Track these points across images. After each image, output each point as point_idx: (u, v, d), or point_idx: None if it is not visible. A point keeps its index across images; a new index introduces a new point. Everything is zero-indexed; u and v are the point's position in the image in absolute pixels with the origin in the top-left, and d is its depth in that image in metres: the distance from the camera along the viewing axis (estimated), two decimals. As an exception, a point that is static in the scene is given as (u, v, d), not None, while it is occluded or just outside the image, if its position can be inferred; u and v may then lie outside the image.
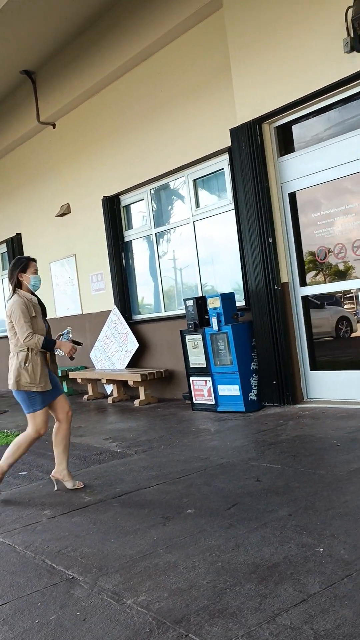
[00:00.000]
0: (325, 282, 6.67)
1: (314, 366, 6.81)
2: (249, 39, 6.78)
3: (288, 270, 6.81)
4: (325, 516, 3.41)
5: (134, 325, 9.39)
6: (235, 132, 6.97)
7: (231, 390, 7.08)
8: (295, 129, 6.82)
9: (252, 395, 7.02)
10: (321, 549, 2.95)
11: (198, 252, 8.32)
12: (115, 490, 4.49)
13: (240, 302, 7.50)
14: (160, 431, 6.56)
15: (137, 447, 5.88)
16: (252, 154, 6.79)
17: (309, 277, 6.84)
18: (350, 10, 5.52)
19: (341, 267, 6.53)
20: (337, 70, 5.95)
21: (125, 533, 3.55)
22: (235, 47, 6.97)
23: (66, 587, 2.91)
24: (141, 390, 8.68)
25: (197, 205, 8.22)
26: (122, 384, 9.26)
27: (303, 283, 6.80)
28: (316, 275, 6.80)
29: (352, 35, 5.68)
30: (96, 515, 3.97)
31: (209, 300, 7.18)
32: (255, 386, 7.04)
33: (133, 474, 4.88)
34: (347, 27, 5.73)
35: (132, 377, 8.52)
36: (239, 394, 6.99)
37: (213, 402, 7.29)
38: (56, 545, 3.51)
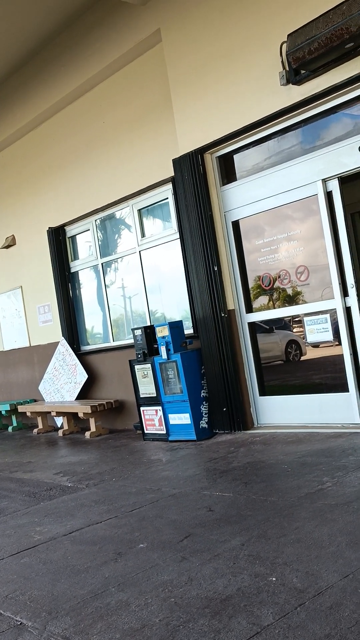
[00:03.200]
0: (271, 308, 6.75)
1: (263, 391, 6.86)
2: (188, 72, 6.92)
3: (234, 297, 6.88)
4: (277, 544, 3.40)
5: (82, 356, 9.30)
6: (177, 163, 7.06)
7: (182, 418, 7.06)
8: (237, 158, 6.95)
9: (203, 423, 7.01)
10: (274, 578, 2.93)
11: (145, 281, 8.33)
12: (66, 527, 4.39)
13: (188, 329, 7.53)
14: (112, 463, 6.47)
15: (88, 481, 5.78)
16: (195, 183, 6.88)
17: (255, 303, 6.92)
18: (285, 45, 5.68)
19: (286, 293, 6.63)
20: (275, 102, 6.11)
21: (76, 572, 3.47)
22: (175, 80, 7.09)
23: (14, 634, 2.81)
24: (92, 421, 8.57)
25: (143, 235, 8.25)
26: (72, 416, 9.13)
27: (249, 309, 6.88)
28: (262, 301, 6.88)
29: (287, 68, 5.85)
30: (46, 554, 3.87)
31: (157, 329, 7.18)
32: (205, 414, 7.04)
33: (84, 509, 4.79)
34: (282, 61, 5.90)
35: (82, 408, 8.41)
36: (189, 422, 6.97)
37: (164, 432, 7.25)
38: (3, 589, 3.39)
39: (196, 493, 4.74)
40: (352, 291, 5.90)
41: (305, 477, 4.63)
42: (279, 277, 6.63)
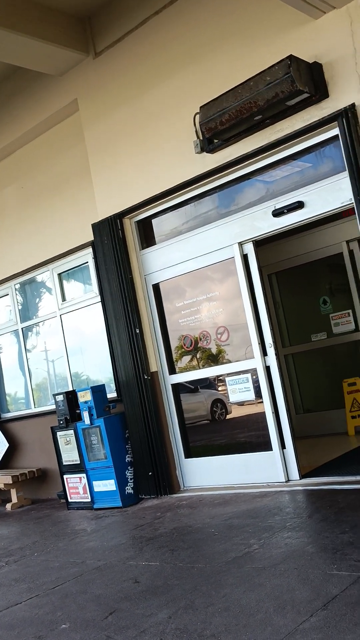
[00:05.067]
0: (194, 369, 6.78)
1: (189, 453, 6.81)
2: (105, 140, 7.07)
3: (157, 359, 6.88)
4: (205, 614, 3.32)
5: (3, 424, 9.01)
6: (97, 227, 7.12)
7: (107, 485, 6.89)
8: (155, 223, 7.07)
9: (129, 489, 6.86)
10: (202, 652, 2.85)
11: (67, 345, 8.23)
12: (-16, 610, 4.14)
13: (112, 393, 7.44)
14: (34, 536, 6.21)
15: (8, 558, 5.51)
16: (115, 247, 6.94)
17: (178, 364, 6.94)
18: (198, 116, 5.91)
19: (208, 353, 6.70)
20: (190, 169, 6.30)
21: (-7, 660, 3.26)
22: (92, 147, 7.23)
23: None
24: (13, 492, 8.24)
25: (64, 299, 8.20)
26: (-8, 488, 8.75)
27: (172, 371, 6.88)
28: (184, 362, 6.92)
29: (201, 137, 6.07)
30: None
31: (79, 394, 7.06)
32: (131, 479, 6.90)
33: (2, 590, 4.54)
34: (196, 131, 6.12)
35: (3, 479, 8.08)
36: (115, 488, 6.81)
37: (89, 500, 7.05)
38: None
39: (122, 564, 4.59)
40: (270, 350, 6.02)
41: (232, 541, 4.58)
42: (200, 338, 6.70)
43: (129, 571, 4.37)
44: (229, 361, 6.50)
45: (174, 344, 6.93)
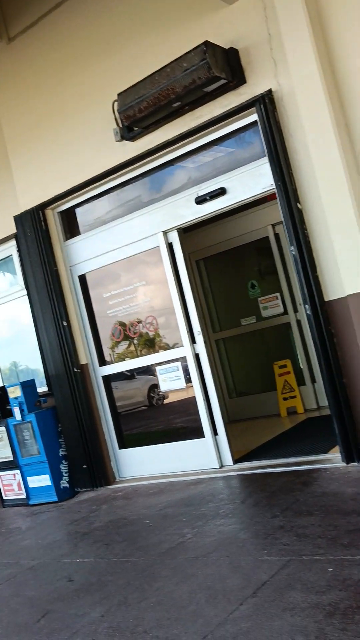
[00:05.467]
0: (124, 360, 6.73)
1: (123, 444, 6.77)
2: (24, 130, 6.87)
3: (86, 352, 6.79)
4: (138, 609, 3.31)
5: None
6: (19, 219, 6.94)
7: (42, 480, 6.79)
8: (79, 213, 6.95)
9: (64, 483, 6.79)
10: (133, 650, 2.84)
11: (-6, 340, 8.02)
12: None
13: (43, 387, 7.30)
14: (-33, 538, 6.07)
15: None
16: (38, 239, 6.79)
17: (108, 356, 6.87)
18: (116, 103, 5.81)
19: (137, 343, 6.66)
20: (111, 157, 6.21)
21: None
22: (11, 138, 7.02)
23: None
24: None
25: (-12, 293, 7.98)
26: None
27: (102, 362, 6.82)
28: (115, 353, 6.86)
29: (120, 125, 5.98)
30: None
31: (9, 390, 6.91)
32: (66, 473, 6.82)
33: None
34: (115, 119, 6.02)
35: None
36: (50, 483, 6.72)
37: (24, 496, 6.94)
38: None
39: (56, 562, 4.54)
40: (199, 338, 6.03)
41: (166, 531, 4.58)
42: (129, 328, 6.65)
43: (63, 569, 4.33)
44: (159, 350, 6.48)
45: (103, 335, 6.85)
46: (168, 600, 3.33)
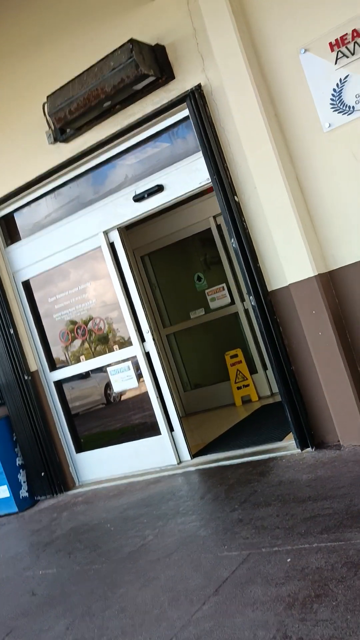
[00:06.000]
0: (74, 364, 6.65)
1: (80, 448, 6.73)
2: None
3: (35, 358, 6.71)
4: (102, 619, 3.30)
5: None
6: None
7: (0, 492, 6.70)
8: (18, 217, 6.83)
9: (23, 492, 6.70)
10: (98, 662, 2.83)
11: None
12: None
13: (-6, 397, 7.19)
14: None
15: None
16: (-23, 247, 6.66)
17: (58, 361, 6.80)
18: (46, 105, 5.71)
19: (87, 345, 6.61)
20: (46, 160, 6.12)
21: None
22: None
23: None
24: None
25: None
26: None
27: (53, 367, 6.74)
28: (64, 357, 6.79)
29: (52, 127, 5.89)
30: None
31: None
32: (24, 482, 6.74)
33: None
34: (47, 121, 5.92)
35: None
36: (8, 494, 6.62)
37: (-17, 509, 6.83)
38: None
39: (19, 576, 4.48)
40: (147, 336, 6.02)
41: (127, 534, 4.57)
42: (77, 331, 6.59)
43: (26, 583, 4.28)
44: (114, 345, 6.43)
45: (51, 340, 6.77)
46: (132, 606, 3.32)
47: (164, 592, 3.36)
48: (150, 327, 6.03)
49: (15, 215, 6.83)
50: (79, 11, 5.77)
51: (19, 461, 6.77)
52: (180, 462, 6.00)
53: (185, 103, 5.29)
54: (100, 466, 6.55)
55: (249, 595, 2.99)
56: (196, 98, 5.17)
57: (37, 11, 5.99)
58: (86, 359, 6.61)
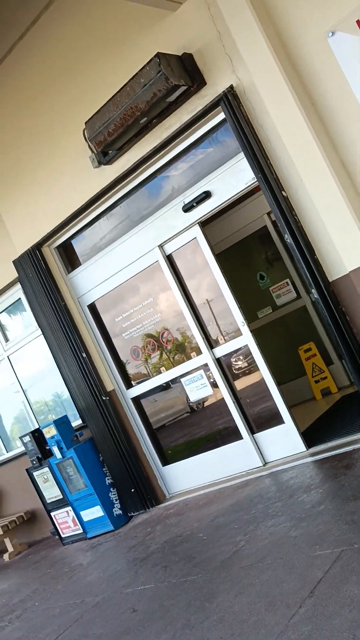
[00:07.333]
0: (157, 374, 6.67)
1: (165, 461, 6.79)
2: (6, 175, 6.95)
3: (111, 378, 6.83)
4: (201, 630, 3.32)
5: (-20, 476, 8.86)
6: (18, 263, 7.01)
7: (94, 512, 6.84)
8: (76, 244, 7.00)
9: (117, 510, 6.82)
10: (201, 675, 2.84)
11: (21, 383, 8.12)
12: None
13: (77, 420, 7.36)
14: (33, 584, 6.14)
15: (10, 615, 5.43)
16: (41, 278, 6.84)
17: (133, 377, 6.90)
18: (85, 131, 5.83)
19: (158, 359, 6.66)
20: (93, 185, 6.24)
21: None
22: (-5, 185, 7.12)
23: None
24: (7, 542, 8.13)
25: (7, 340, 8.08)
26: (-15, 542, 8.62)
27: (129, 385, 6.84)
28: (139, 374, 6.88)
29: (95, 152, 6.01)
30: None
31: (44, 431, 6.96)
32: (116, 500, 6.86)
33: (8, 653, 4.48)
34: (88, 146, 6.04)
35: (-7, 532, 7.97)
36: (102, 513, 6.76)
37: (81, 531, 6.99)
38: None
39: (119, 594, 4.56)
40: (244, 328, 5.82)
41: (220, 542, 4.58)
42: (147, 346, 6.66)
43: (127, 600, 4.35)
44: (178, 363, 6.43)
45: (123, 358, 6.88)
46: (229, 616, 3.32)
47: (259, 598, 3.34)
48: (244, 318, 5.88)
49: (72, 242, 6.99)
50: (103, 36, 5.85)
51: (108, 480, 6.89)
52: (265, 463, 5.95)
53: (220, 107, 5.29)
54: (188, 476, 6.59)
55: (344, 595, 2.93)
56: (230, 100, 5.15)
57: (62, 43, 6.12)
58: (166, 370, 6.60)
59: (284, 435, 5.83)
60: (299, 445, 5.74)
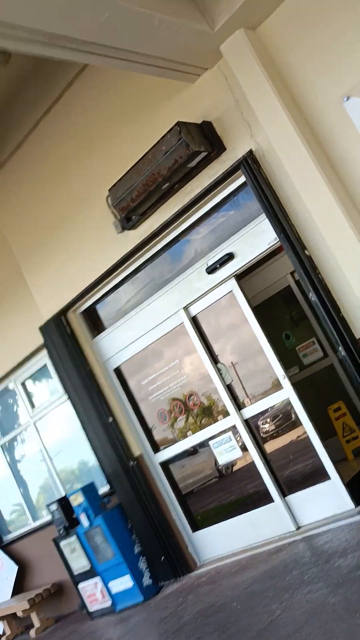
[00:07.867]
0: (183, 438, 6.58)
1: (195, 527, 6.62)
2: (31, 243, 7.12)
3: (138, 442, 6.76)
4: None
5: (6, 547, 8.70)
6: (45, 329, 7.08)
7: (123, 582, 6.63)
8: (100, 309, 7.07)
9: (146, 580, 6.61)
10: None
11: (47, 450, 8.06)
12: None
13: (104, 486, 7.25)
14: (62, 660, 5.92)
15: None
16: (67, 343, 6.89)
17: (160, 441, 6.81)
18: (109, 198, 5.99)
19: (185, 422, 6.59)
20: (117, 250, 6.36)
21: None
22: (20, 253, 7.27)
23: None
24: (34, 617, 7.88)
25: (33, 406, 8.08)
26: (12, 617, 8.37)
27: (156, 449, 6.76)
28: (166, 437, 6.80)
29: (118, 217, 6.14)
30: None
31: (71, 498, 6.86)
32: (146, 569, 6.66)
33: None
34: (112, 212, 6.19)
35: (19, 606, 7.73)
36: (132, 584, 6.56)
37: (109, 603, 6.76)
38: None
39: (151, 669, 4.38)
40: (285, 382, 5.79)
41: (254, 611, 4.40)
42: (173, 409, 6.61)
43: None
44: (213, 422, 6.35)
45: (150, 422, 6.82)
46: None
47: (300, 671, 3.18)
48: (285, 372, 5.84)
49: (97, 307, 7.07)
50: (126, 107, 6.09)
51: (137, 548, 6.71)
52: (298, 527, 5.77)
53: (240, 170, 5.41)
54: (219, 542, 6.40)
55: (390, 665, 2.78)
56: (249, 163, 5.27)
57: (85, 116, 6.38)
58: (197, 428, 6.50)
59: (327, 494, 5.61)
60: (346, 502, 5.50)
